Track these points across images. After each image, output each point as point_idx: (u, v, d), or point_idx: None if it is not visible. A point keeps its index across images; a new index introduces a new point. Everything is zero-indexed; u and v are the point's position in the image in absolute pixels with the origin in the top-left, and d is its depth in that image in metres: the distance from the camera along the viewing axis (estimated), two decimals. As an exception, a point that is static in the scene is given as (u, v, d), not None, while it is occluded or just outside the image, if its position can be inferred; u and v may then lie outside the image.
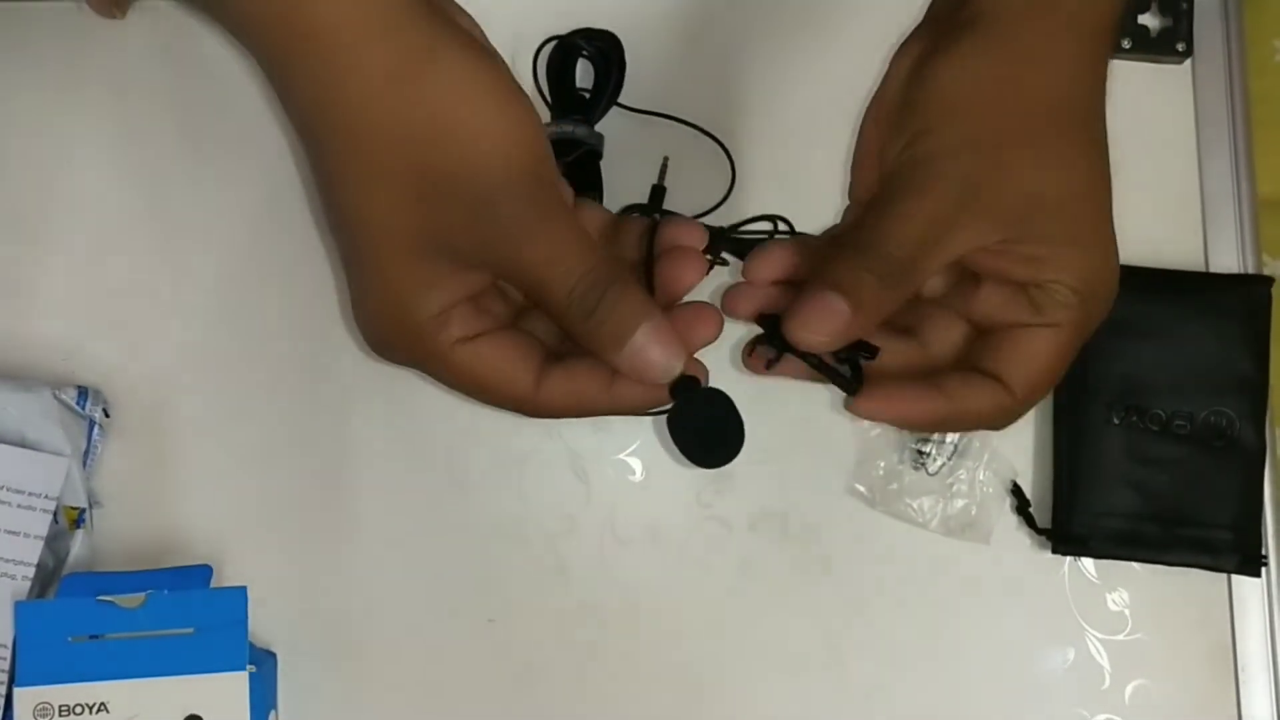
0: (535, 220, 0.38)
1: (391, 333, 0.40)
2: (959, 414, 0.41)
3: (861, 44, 0.51)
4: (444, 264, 0.38)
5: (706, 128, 0.54)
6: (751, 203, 0.54)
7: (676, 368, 0.39)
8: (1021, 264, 0.40)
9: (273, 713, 0.50)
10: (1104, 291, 0.41)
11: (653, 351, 0.38)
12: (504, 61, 0.39)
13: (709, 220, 0.53)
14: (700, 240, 0.42)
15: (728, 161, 0.54)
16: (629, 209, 0.53)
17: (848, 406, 0.41)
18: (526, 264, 0.38)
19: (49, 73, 0.55)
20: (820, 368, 0.41)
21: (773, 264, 0.42)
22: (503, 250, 0.38)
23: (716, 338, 0.41)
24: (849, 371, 0.41)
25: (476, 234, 0.38)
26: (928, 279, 0.41)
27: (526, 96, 0.39)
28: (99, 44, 0.55)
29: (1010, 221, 0.40)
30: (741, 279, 0.43)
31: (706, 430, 0.40)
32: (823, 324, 0.39)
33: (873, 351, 0.41)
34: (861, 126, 0.44)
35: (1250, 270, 0.54)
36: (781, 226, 0.53)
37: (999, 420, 0.42)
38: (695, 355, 0.40)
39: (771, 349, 0.41)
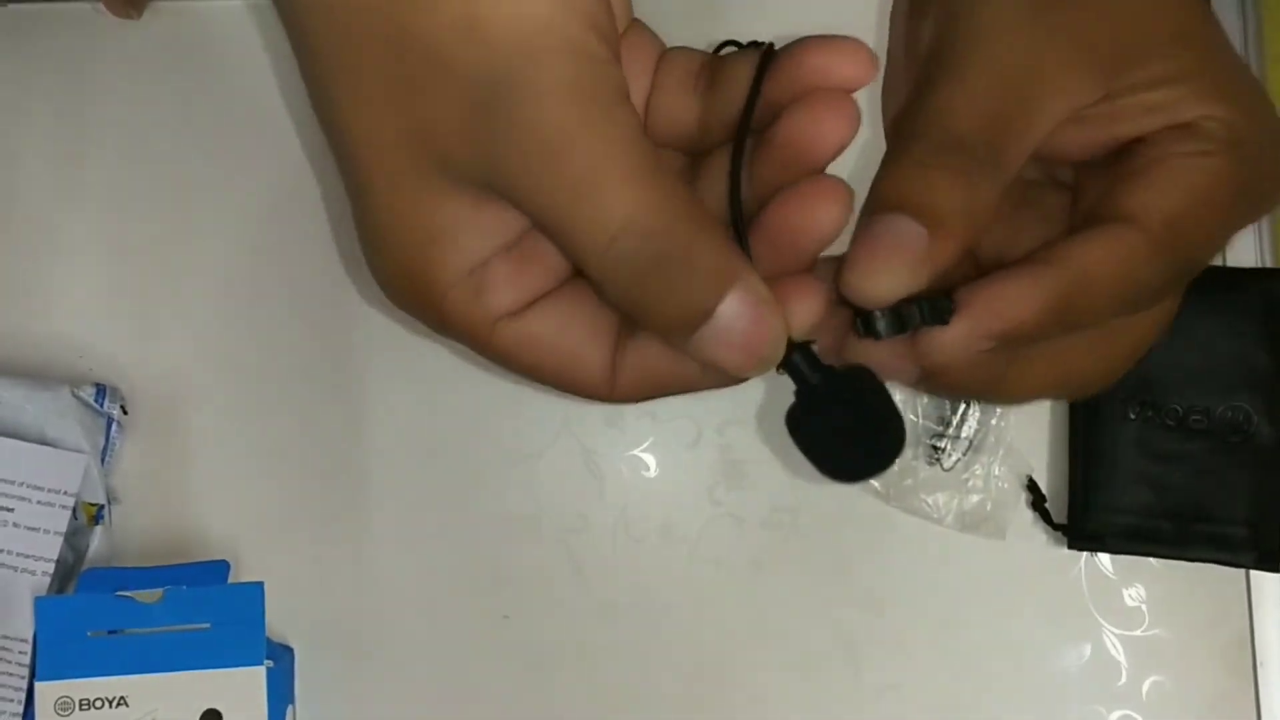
0: (565, 121, 0.25)
1: (410, 299, 0.29)
2: (1081, 284, 0.28)
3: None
4: (456, 188, 0.27)
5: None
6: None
7: (778, 354, 0.27)
8: (1139, 116, 0.29)
9: (290, 707, 0.50)
10: (1268, 137, 0.29)
11: (745, 333, 0.26)
12: None
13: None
14: (859, 71, 0.28)
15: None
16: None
17: (937, 354, 0.28)
18: (542, 192, 0.25)
19: (64, 73, 0.56)
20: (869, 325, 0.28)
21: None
22: (509, 167, 0.25)
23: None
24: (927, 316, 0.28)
25: (473, 139, 0.25)
26: (1021, 163, 0.29)
27: None
28: (114, 44, 0.55)
29: (1112, 65, 0.28)
30: None
31: (846, 426, 0.28)
32: (889, 260, 0.27)
33: (946, 308, 0.28)
34: (891, 20, 0.33)
35: (1268, 265, 0.54)
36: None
37: (1140, 278, 0.29)
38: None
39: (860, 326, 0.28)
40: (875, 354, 0.29)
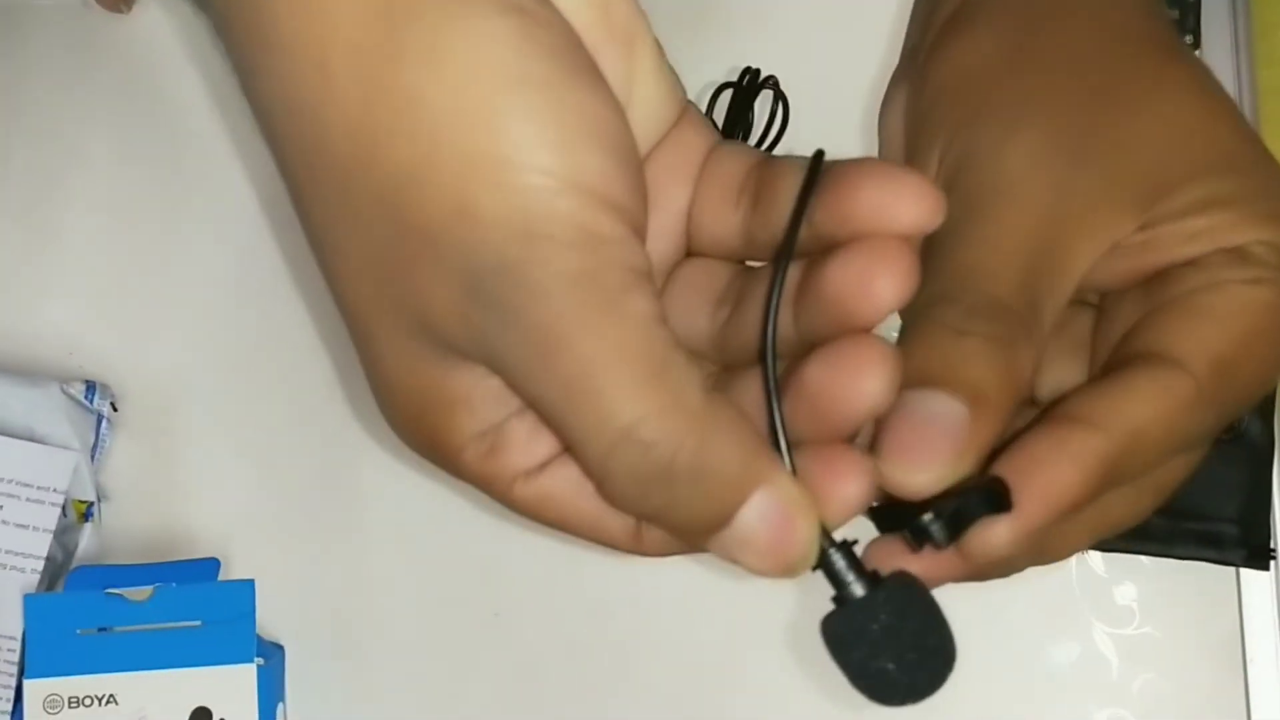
0: (562, 317, 0.22)
1: (424, 451, 0.29)
2: (1127, 446, 0.26)
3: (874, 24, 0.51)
4: (463, 361, 0.25)
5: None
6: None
7: (809, 560, 0.25)
8: (1180, 243, 0.27)
9: (281, 705, 0.50)
10: None
11: (770, 540, 0.24)
12: (562, 21, 0.23)
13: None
14: (921, 215, 0.24)
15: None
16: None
17: (992, 549, 0.25)
18: (539, 389, 0.23)
19: (55, 67, 0.55)
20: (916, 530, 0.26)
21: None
22: (505, 357, 0.23)
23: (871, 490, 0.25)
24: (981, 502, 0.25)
25: (468, 323, 0.23)
26: (1056, 315, 0.27)
27: (596, 77, 0.23)
28: (105, 38, 0.55)
29: (1148, 195, 0.27)
30: None
31: (893, 645, 0.25)
32: (929, 448, 0.24)
33: (1004, 500, 0.25)
34: (880, 119, 0.32)
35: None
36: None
37: (1185, 430, 0.26)
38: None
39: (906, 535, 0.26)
40: (921, 561, 0.26)
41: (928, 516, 0.25)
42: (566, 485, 0.26)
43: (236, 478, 0.53)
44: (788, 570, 0.25)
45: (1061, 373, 0.30)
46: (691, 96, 0.28)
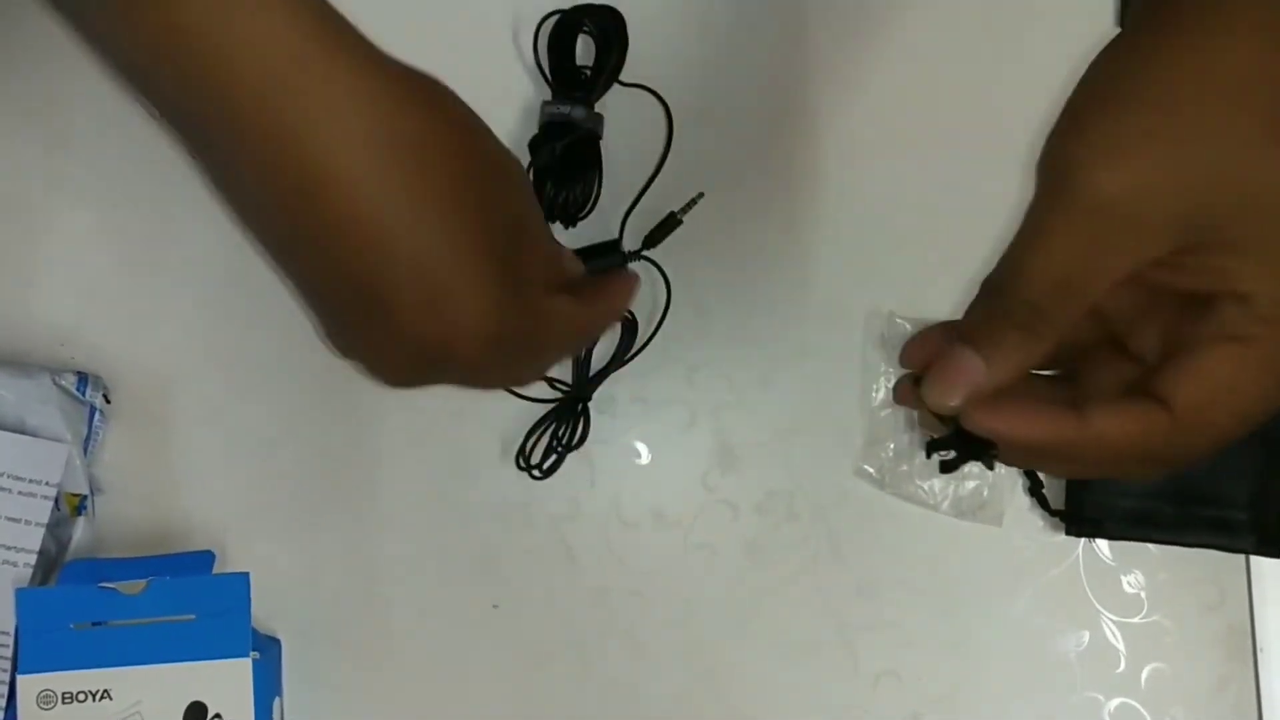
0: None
1: (466, 328, 0.34)
2: (1093, 440, 0.34)
3: (866, 31, 0.50)
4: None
5: (703, 105, 0.53)
6: (741, 189, 0.53)
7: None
8: (1203, 275, 0.32)
9: (277, 699, 0.49)
10: None
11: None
12: (455, 97, 0.34)
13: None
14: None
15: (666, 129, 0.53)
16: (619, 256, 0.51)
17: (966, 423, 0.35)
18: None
19: (48, 58, 0.55)
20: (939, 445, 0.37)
21: (925, 346, 0.37)
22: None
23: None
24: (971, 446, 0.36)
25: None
26: (1077, 319, 0.34)
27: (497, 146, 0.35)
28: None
29: (1184, 227, 0.31)
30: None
31: None
32: (954, 383, 0.34)
33: (989, 455, 0.36)
34: None
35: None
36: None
37: (1155, 451, 0.34)
38: None
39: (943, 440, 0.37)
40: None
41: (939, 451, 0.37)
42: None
43: (231, 470, 0.52)
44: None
45: (1148, 340, 0.36)
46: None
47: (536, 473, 0.51)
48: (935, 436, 0.37)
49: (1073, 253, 0.32)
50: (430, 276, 0.32)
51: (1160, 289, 0.34)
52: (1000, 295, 0.34)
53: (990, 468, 0.38)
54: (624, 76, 0.53)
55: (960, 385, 0.34)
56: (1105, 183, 0.31)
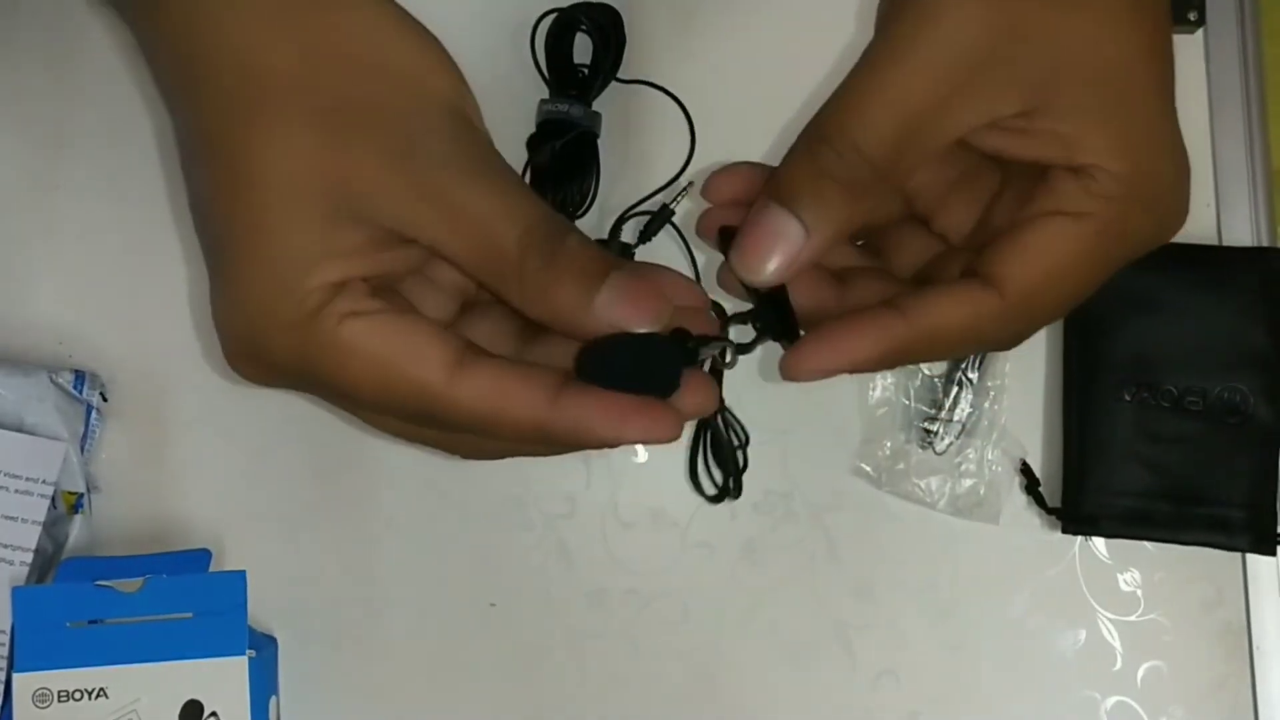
0: (469, 162, 0.30)
1: (264, 315, 0.32)
2: (924, 336, 0.32)
3: (866, 31, 0.50)
4: (352, 230, 0.30)
5: (700, 102, 0.53)
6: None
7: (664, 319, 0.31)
8: (1046, 143, 0.31)
9: (274, 698, 0.49)
10: (1157, 192, 0.31)
11: (633, 300, 0.30)
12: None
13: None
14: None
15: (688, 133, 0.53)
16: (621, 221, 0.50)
17: (783, 371, 0.33)
18: (463, 212, 0.30)
19: (46, 54, 0.55)
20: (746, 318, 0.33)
21: (733, 181, 0.33)
22: (433, 195, 0.30)
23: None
24: (775, 323, 0.33)
25: (401, 180, 0.30)
26: (909, 179, 0.32)
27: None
28: (95, 25, 0.54)
29: (1034, 87, 0.30)
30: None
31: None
32: (768, 251, 0.31)
33: (791, 332, 0.32)
34: None
35: (1265, 244, 0.53)
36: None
37: (984, 335, 0.32)
38: None
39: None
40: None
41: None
42: (389, 324, 0.30)
43: (228, 468, 0.52)
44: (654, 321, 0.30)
45: (959, 216, 0.34)
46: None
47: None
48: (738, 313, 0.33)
49: (925, 99, 0.29)
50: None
51: (984, 163, 0.32)
52: (828, 145, 0.30)
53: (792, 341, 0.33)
54: (621, 74, 0.53)
55: (776, 254, 0.31)
56: (976, 24, 0.29)
